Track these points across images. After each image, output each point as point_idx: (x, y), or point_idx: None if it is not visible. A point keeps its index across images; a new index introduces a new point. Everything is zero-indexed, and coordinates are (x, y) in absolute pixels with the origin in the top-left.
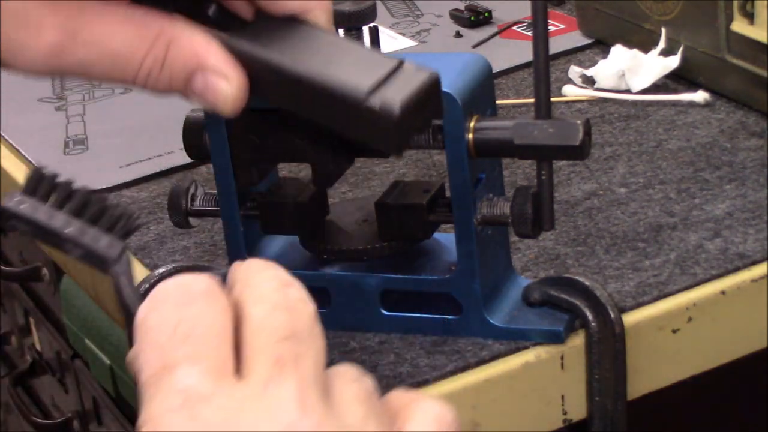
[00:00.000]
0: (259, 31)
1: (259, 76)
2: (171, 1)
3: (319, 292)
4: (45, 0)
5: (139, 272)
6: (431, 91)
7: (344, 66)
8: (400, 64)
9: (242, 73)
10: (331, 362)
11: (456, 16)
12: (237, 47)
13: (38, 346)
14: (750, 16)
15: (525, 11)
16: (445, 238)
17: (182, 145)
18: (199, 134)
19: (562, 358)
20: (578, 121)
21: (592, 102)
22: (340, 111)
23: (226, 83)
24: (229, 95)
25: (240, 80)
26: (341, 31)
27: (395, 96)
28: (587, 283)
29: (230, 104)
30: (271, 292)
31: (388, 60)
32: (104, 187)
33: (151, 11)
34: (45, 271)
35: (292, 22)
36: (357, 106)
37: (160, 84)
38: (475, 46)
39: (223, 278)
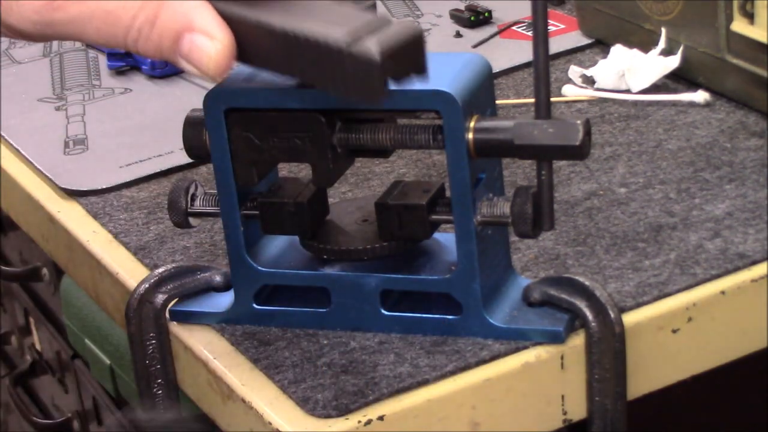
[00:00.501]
0: None
1: (249, 37)
2: None
3: (319, 292)
4: None
5: (139, 272)
6: (414, 44)
7: (330, 21)
8: (388, 21)
9: (229, 35)
10: (331, 362)
11: (456, 16)
12: (227, 10)
13: (38, 346)
14: (750, 16)
15: (525, 11)
16: (445, 238)
17: (182, 145)
18: (199, 134)
19: (562, 358)
20: (578, 121)
21: (592, 102)
22: (325, 63)
23: (211, 43)
24: (213, 55)
25: (226, 41)
26: None
27: (376, 44)
28: (587, 283)
29: (214, 65)
30: None
31: (376, 18)
32: (104, 187)
33: None
34: (45, 271)
35: None
36: (340, 53)
37: (150, 45)
38: (475, 46)
39: (223, 278)
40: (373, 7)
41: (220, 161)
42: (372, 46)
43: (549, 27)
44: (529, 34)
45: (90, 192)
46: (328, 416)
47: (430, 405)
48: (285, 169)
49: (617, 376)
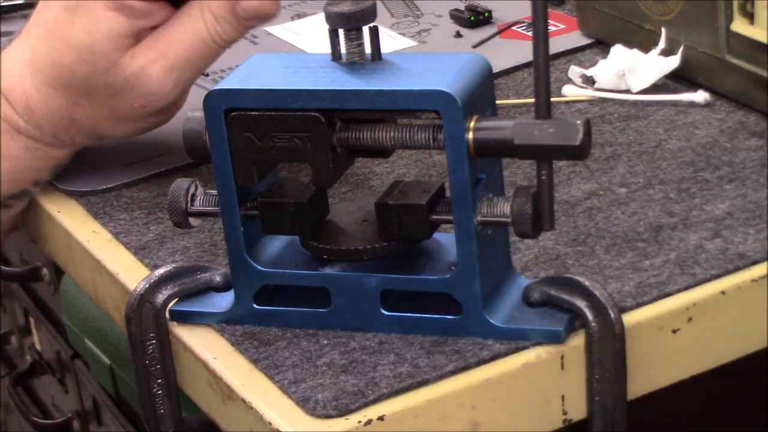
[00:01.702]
0: None
1: None
2: None
3: (319, 292)
4: (137, 50)
5: (139, 272)
6: None
7: None
8: None
9: None
10: (331, 362)
11: (456, 16)
12: None
13: (38, 346)
14: (750, 16)
15: (525, 11)
16: (445, 238)
17: (182, 145)
18: (199, 134)
19: (562, 358)
20: (578, 121)
21: (592, 102)
22: None
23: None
24: (259, 4)
25: None
26: (341, 32)
27: None
28: (587, 283)
29: (267, 7)
30: None
31: None
32: (104, 187)
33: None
34: (45, 271)
35: None
36: None
37: (225, 34)
38: (475, 46)
39: (223, 278)
40: (373, 7)
41: (220, 161)
42: None
43: (549, 27)
44: (529, 34)
45: (90, 192)
46: (328, 416)
47: (430, 405)
48: (285, 169)
49: (617, 376)
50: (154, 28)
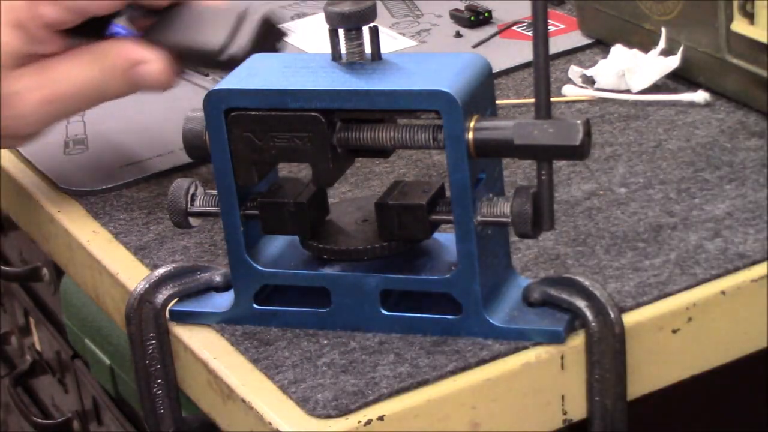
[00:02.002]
0: (163, 21)
1: (171, 53)
2: (90, 30)
3: (319, 292)
4: (13, 74)
5: (139, 272)
6: (267, 28)
7: (209, 31)
8: (245, 12)
9: (162, 54)
10: (331, 362)
11: (456, 16)
12: (151, 37)
13: (38, 346)
14: (750, 16)
15: (525, 11)
16: (445, 238)
17: (182, 145)
18: (199, 134)
19: (562, 358)
20: (578, 121)
21: (592, 102)
22: (214, 65)
23: (153, 66)
24: (158, 74)
25: (161, 59)
26: (341, 32)
27: (239, 48)
28: (587, 283)
29: (163, 80)
30: None
31: (234, 12)
32: (104, 187)
33: (88, 42)
34: (45, 271)
35: (183, 6)
36: (218, 60)
37: (116, 89)
38: (475, 46)
39: (223, 278)
40: (373, 7)
41: (220, 161)
42: (237, 54)
43: (549, 27)
44: (529, 34)
45: (90, 192)
46: (328, 416)
47: (430, 405)
48: (285, 169)
49: (617, 376)
50: (48, 56)
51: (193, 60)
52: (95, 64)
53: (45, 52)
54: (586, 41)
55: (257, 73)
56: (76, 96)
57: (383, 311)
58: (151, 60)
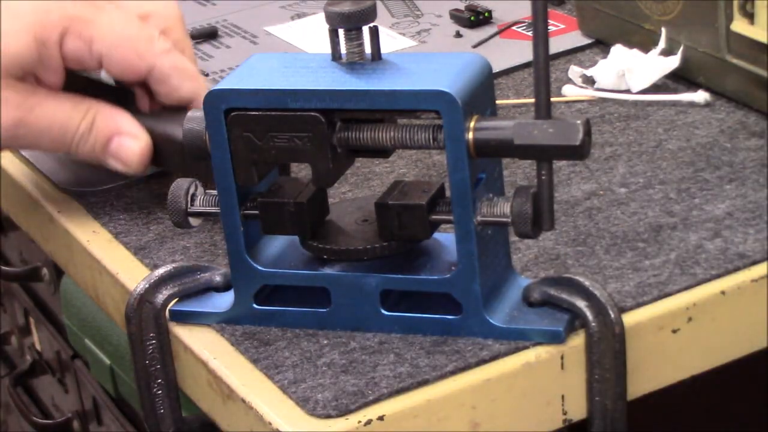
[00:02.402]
0: (162, 112)
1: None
2: (101, 92)
3: (319, 292)
4: (8, 83)
5: (139, 272)
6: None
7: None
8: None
9: (148, 136)
10: (331, 362)
11: (456, 16)
12: (144, 120)
13: (38, 346)
14: (750, 16)
15: (525, 11)
16: (445, 238)
17: None
18: (199, 134)
19: (562, 358)
20: (578, 121)
21: (592, 102)
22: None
23: (136, 143)
24: (137, 152)
25: (146, 141)
26: (341, 32)
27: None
28: (587, 283)
29: (138, 160)
30: None
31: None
32: (104, 187)
33: (80, 95)
34: (45, 271)
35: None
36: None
37: (87, 147)
38: (475, 46)
39: (223, 278)
40: (373, 7)
41: (220, 161)
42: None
43: (549, 27)
44: (529, 34)
45: (90, 192)
46: (328, 416)
47: (430, 405)
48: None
49: (617, 376)
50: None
51: (174, 153)
52: (79, 115)
53: (44, 80)
54: (586, 41)
55: (257, 73)
56: (45, 134)
57: (383, 311)
58: (136, 137)
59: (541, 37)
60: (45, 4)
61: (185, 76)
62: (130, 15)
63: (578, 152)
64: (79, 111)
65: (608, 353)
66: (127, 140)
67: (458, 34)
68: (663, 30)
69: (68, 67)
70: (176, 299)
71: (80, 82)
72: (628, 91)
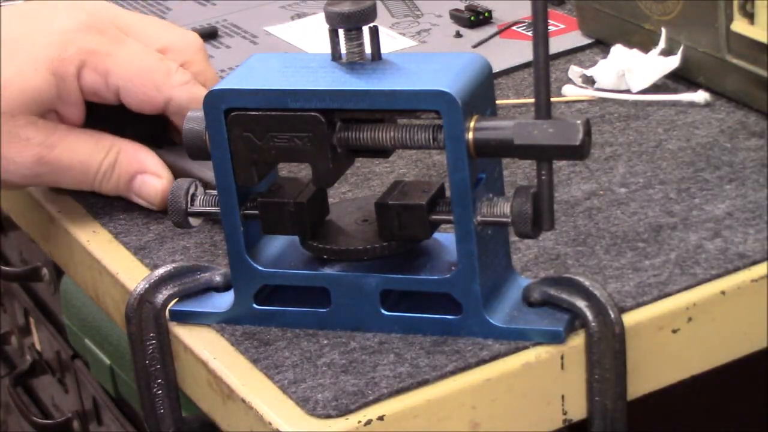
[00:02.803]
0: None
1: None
2: (128, 127)
3: (319, 292)
4: (29, 120)
5: (139, 272)
6: None
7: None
8: None
9: (171, 174)
10: (331, 362)
11: (456, 16)
12: (164, 158)
13: (38, 346)
14: (750, 16)
15: (525, 11)
16: (445, 238)
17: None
18: (199, 134)
19: (562, 358)
20: (578, 121)
21: (592, 102)
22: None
23: (159, 181)
24: (160, 191)
25: (168, 179)
26: (341, 32)
27: None
28: (587, 283)
29: (161, 198)
30: None
31: None
32: None
33: (103, 132)
34: (45, 271)
35: None
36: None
37: (111, 185)
38: (475, 46)
39: (223, 278)
40: (373, 7)
41: (220, 161)
42: None
43: (549, 27)
44: (529, 34)
45: (90, 192)
46: (328, 416)
47: (430, 405)
48: (285, 169)
49: (617, 376)
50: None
51: None
52: (101, 153)
53: (64, 114)
54: (586, 41)
55: (257, 73)
56: (67, 172)
57: (383, 311)
58: (159, 176)
59: (541, 37)
60: (62, 38)
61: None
62: (148, 48)
63: (578, 152)
64: (101, 149)
65: (608, 353)
66: (150, 179)
67: (458, 34)
68: (663, 30)
69: (87, 99)
70: (176, 299)
71: (116, 112)
72: (628, 91)
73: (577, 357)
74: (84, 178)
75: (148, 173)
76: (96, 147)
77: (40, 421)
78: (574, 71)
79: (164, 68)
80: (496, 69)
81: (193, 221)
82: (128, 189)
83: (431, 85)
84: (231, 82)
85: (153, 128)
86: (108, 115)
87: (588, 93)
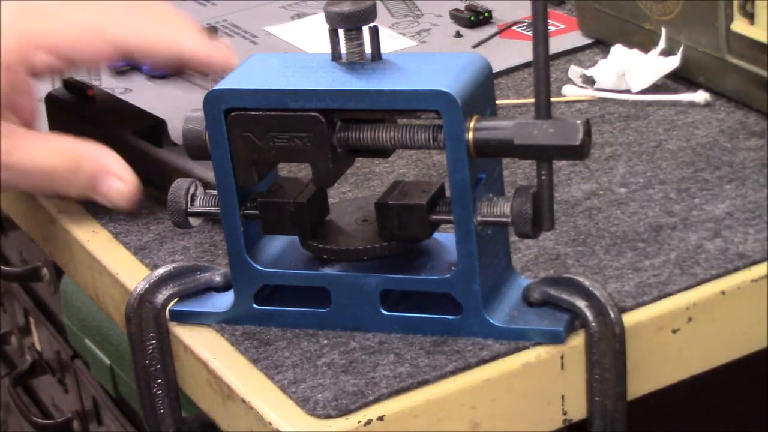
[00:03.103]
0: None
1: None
2: (128, 127)
3: (319, 292)
4: None
5: (139, 272)
6: None
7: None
8: None
9: (134, 175)
10: (331, 362)
11: (456, 16)
12: (164, 158)
13: (38, 346)
14: (750, 16)
15: (525, 11)
16: (445, 238)
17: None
18: (199, 134)
19: (562, 358)
20: (578, 121)
21: (592, 102)
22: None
23: (122, 183)
24: (124, 192)
25: (132, 181)
26: (341, 32)
27: None
28: (587, 283)
29: (124, 200)
30: None
31: None
32: None
33: (64, 135)
34: (45, 271)
35: None
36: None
37: (74, 188)
38: (475, 46)
39: (223, 278)
40: (373, 7)
41: (220, 161)
42: None
43: (549, 27)
44: (529, 34)
45: None
46: (328, 416)
47: (430, 405)
48: (285, 169)
49: (617, 376)
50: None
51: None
52: (64, 158)
53: (20, 106)
54: (586, 41)
55: (257, 73)
56: (28, 177)
57: (383, 311)
58: (123, 177)
59: (541, 37)
60: (3, 32)
61: (170, 38)
62: (85, 4)
63: (578, 152)
64: (59, 153)
65: (608, 353)
66: (114, 181)
67: (458, 34)
68: (663, 30)
69: (42, 78)
70: (176, 299)
71: (116, 112)
72: (628, 91)
73: (577, 357)
74: (46, 183)
75: (111, 174)
76: (54, 151)
77: (40, 421)
78: (574, 71)
79: (105, 16)
80: (496, 69)
81: (193, 221)
82: (93, 191)
83: (431, 85)
84: (231, 82)
85: (153, 128)
86: (108, 116)
87: (588, 93)
